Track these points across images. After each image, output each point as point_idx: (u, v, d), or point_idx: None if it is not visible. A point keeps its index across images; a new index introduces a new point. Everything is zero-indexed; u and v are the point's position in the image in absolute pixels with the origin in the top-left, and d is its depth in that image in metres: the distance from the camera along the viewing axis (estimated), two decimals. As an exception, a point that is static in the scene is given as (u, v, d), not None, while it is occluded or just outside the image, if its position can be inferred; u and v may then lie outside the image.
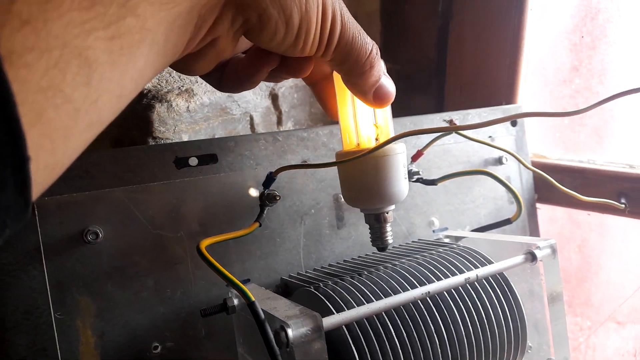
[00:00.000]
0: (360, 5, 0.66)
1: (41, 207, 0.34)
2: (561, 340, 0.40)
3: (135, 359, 0.37)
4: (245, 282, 0.40)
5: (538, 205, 0.60)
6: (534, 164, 0.60)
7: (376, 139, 0.35)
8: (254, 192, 0.41)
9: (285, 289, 0.40)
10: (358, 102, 0.34)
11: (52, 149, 0.17)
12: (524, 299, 0.42)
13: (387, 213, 0.35)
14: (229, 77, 0.32)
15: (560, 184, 0.57)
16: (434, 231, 0.49)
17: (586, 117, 0.69)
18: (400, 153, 0.34)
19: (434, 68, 0.65)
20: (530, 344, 0.42)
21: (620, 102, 0.65)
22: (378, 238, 0.37)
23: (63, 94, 0.17)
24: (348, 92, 0.33)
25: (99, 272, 0.36)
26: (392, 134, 0.35)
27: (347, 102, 0.35)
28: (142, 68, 0.20)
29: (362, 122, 0.35)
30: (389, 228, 0.36)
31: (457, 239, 0.47)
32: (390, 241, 0.37)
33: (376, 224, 0.36)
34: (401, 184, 0.34)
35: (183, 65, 0.28)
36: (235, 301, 0.37)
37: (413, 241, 0.47)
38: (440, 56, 0.64)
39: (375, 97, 0.32)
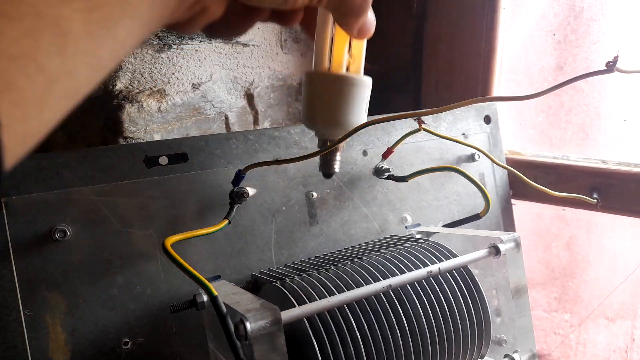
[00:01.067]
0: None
1: (10, 206, 0.35)
2: (526, 333, 0.40)
3: (105, 354, 0.37)
4: (215, 278, 0.40)
5: (514, 201, 0.61)
6: (509, 160, 0.60)
7: (347, 67, 0.35)
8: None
9: (255, 284, 0.41)
10: (337, 29, 0.34)
11: (25, 118, 0.17)
12: (493, 293, 0.42)
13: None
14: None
15: (535, 180, 0.58)
16: (406, 227, 0.50)
17: (572, 115, 0.70)
18: (368, 86, 0.35)
19: (410, 67, 0.66)
20: (505, 337, 0.43)
21: (605, 100, 0.65)
22: (325, 164, 0.36)
23: (36, 63, 0.16)
24: (330, 19, 0.34)
25: (68, 270, 0.36)
26: (362, 65, 0.35)
27: (327, 28, 0.34)
28: (123, 39, 0.20)
29: (338, 48, 0.34)
30: (338, 157, 0.36)
31: (429, 234, 0.47)
32: (336, 170, 0.36)
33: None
34: (361, 116, 0.35)
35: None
36: (205, 297, 0.37)
37: (385, 237, 0.48)
38: (416, 56, 0.65)
39: (359, 31, 0.32)
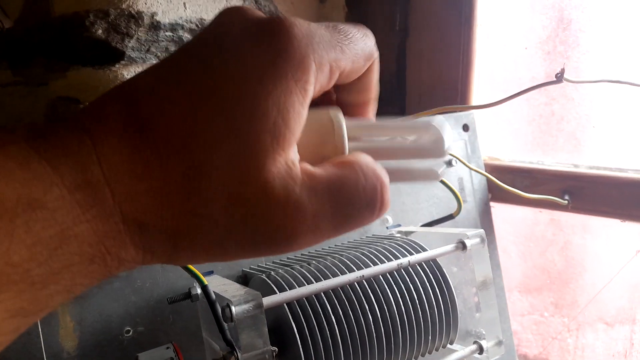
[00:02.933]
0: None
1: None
2: (493, 322, 0.44)
3: (109, 341, 0.41)
4: (209, 273, 0.44)
5: (492, 204, 0.65)
6: (488, 165, 0.64)
7: None
8: None
9: (244, 278, 0.45)
10: None
11: None
12: (473, 291, 0.46)
13: None
14: None
15: (512, 183, 0.62)
16: (387, 227, 0.54)
17: (563, 122, 0.74)
18: None
19: (395, 80, 0.70)
20: (484, 331, 0.46)
21: (595, 107, 0.68)
22: None
23: None
24: None
25: (77, 265, 0.41)
26: None
27: None
28: None
29: None
30: None
31: (407, 233, 0.51)
32: None
33: None
34: None
35: None
36: (199, 290, 0.41)
37: (367, 236, 0.52)
38: (400, 69, 0.69)
39: None
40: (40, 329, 0.39)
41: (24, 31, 0.48)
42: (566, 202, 0.58)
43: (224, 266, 0.47)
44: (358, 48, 0.23)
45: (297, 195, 0.20)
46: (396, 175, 0.27)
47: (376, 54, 0.25)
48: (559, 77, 0.39)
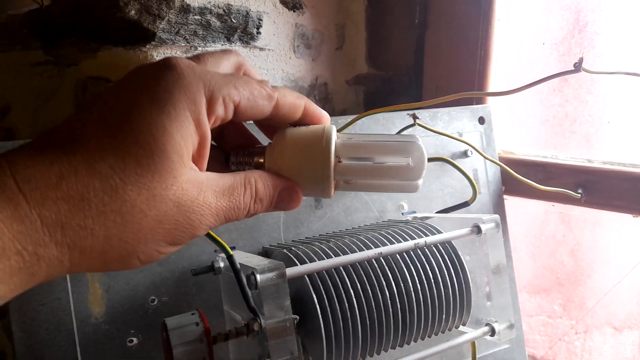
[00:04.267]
0: (348, 18, 0.73)
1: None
2: (506, 308, 0.45)
3: (135, 309, 0.43)
4: (231, 248, 0.46)
5: (505, 197, 0.66)
6: (502, 158, 0.65)
7: None
8: None
9: (265, 254, 0.46)
10: None
11: None
12: (485, 280, 0.47)
13: None
14: None
15: (526, 177, 0.63)
16: (402, 214, 0.55)
17: (576, 125, 0.74)
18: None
19: (412, 72, 0.71)
20: (495, 320, 0.48)
21: (610, 109, 0.68)
22: None
23: None
24: None
25: (107, 234, 0.42)
26: None
27: None
28: None
29: None
30: None
31: (423, 219, 0.53)
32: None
33: None
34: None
35: None
36: (222, 264, 0.43)
37: (383, 221, 0.54)
38: (417, 62, 0.71)
39: None
40: (70, 295, 0.41)
41: (60, 10, 0.49)
42: (579, 195, 0.59)
43: (244, 243, 0.48)
44: (255, 88, 0.30)
45: (194, 196, 0.27)
46: (378, 187, 0.33)
47: (274, 92, 0.31)
48: (577, 67, 0.40)
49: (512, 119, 0.73)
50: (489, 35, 0.65)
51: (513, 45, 0.69)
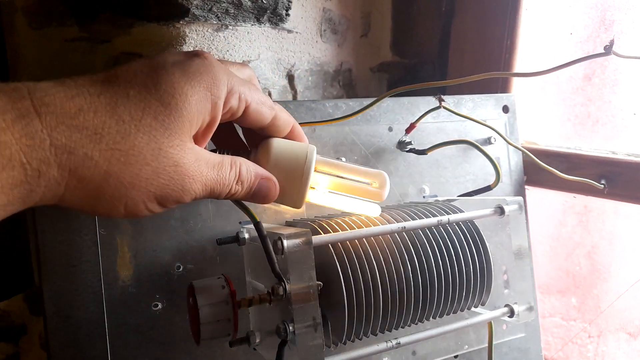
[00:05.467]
0: (374, 6, 0.73)
1: (94, 144, 0.43)
2: (526, 292, 0.45)
3: (161, 275, 0.44)
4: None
5: (527, 187, 0.66)
6: (525, 148, 0.65)
7: None
8: None
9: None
10: None
11: None
12: (503, 269, 0.47)
13: None
14: None
15: (548, 166, 0.63)
16: (424, 197, 0.55)
17: (599, 125, 0.74)
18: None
19: (437, 61, 0.72)
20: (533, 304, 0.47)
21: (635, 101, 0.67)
22: None
23: None
24: None
25: (136, 201, 0.44)
26: None
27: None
28: None
29: None
30: None
31: (446, 202, 0.53)
32: None
33: None
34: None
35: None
36: (246, 235, 0.44)
37: (405, 202, 0.54)
38: (442, 51, 0.71)
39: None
40: (100, 258, 0.43)
41: (97, -14, 0.51)
42: (602, 186, 0.59)
43: (268, 217, 0.49)
44: (263, 97, 0.35)
45: (191, 162, 0.30)
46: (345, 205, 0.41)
47: (275, 107, 0.36)
48: (608, 49, 0.40)
49: (536, 115, 0.73)
50: (516, 25, 0.65)
51: (540, 35, 0.69)
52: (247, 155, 0.37)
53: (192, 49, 0.51)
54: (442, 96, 0.51)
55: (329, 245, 0.38)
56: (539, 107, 0.73)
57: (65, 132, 0.25)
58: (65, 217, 0.42)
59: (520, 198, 0.45)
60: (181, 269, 0.45)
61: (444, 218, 0.42)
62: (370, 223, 0.41)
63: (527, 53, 0.68)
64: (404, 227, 0.40)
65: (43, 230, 0.41)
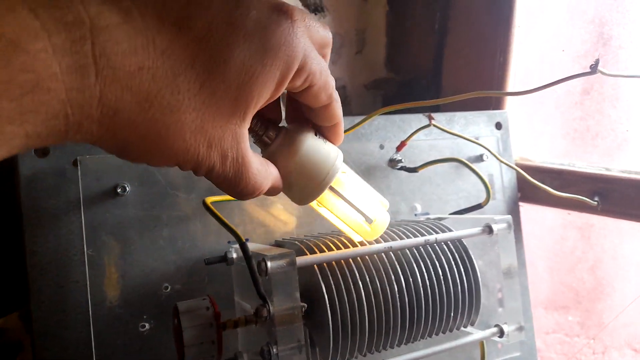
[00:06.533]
0: (369, 22, 0.74)
1: (83, 164, 0.43)
2: (516, 311, 0.45)
3: (148, 295, 0.44)
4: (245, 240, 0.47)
5: (522, 204, 0.66)
6: (518, 165, 0.65)
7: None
8: None
9: (277, 246, 0.47)
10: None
11: None
12: (497, 286, 0.47)
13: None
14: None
15: (541, 184, 0.62)
16: (415, 215, 0.55)
17: (598, 139, 0.73)
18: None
19: (431, 77, 0.72)
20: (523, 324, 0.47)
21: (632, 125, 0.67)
22: None
23: None
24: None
25: (125, 221, 0.44)
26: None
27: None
28: None
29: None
30: None
31: (436, 220, 0.53)
32: None
33: None
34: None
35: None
36: (234, 255, 0.44)
37: (396, 220, 0.54)
38: (436, 67, 0.71)
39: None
40: (87, 278, 0.43)
41: None
42: (596, 203, 0.58)
43: (258, 236, 0.49)
44: (328, 82, 0.31)
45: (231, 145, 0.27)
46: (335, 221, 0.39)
47: (334, 95, 0.32)
48: (593, 68, 0.40)
49: (532, 130, 0.72)
50: (508, 41, 0.65)
51: (533, 52, 0.69)
52: (276, 129, 0.34)
53: None
54: (431, 114, 0.51)
55: (315, 266, 0.38)
56: (536, 121, 0.73)
57: (117, 91, 0.22)
58: (53, 237, 0.42)
59: (509, 217, 0.45)
60: (169, 289, 0.45)
61: (431, 237, 0.42)
62: (357, 243, 0.41)
63: (521, 69, 0.69)
64: (391, 247, 0.40)
65: (32, 251, 0.42)
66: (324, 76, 0.30)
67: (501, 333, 0.44)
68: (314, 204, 0.38)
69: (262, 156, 0.33)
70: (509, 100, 0.68)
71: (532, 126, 0.73)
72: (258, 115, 0.33)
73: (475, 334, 0.44)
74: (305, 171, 0.34)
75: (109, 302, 0.43)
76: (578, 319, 0.79)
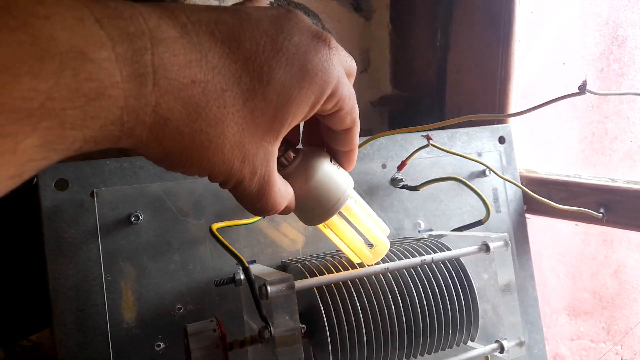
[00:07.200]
0: (373, 42, 0.76)
1: (99, 195, 0.46)
2: (515, 326, 0.46)
3: (163, 316, 0.47)
4: (251, 262, 0.49)
5: (528, 215, 0.66)
6: (524, 177, 0.66)
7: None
8: None
9: (283, 268, 0.50)
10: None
11: None
12: (495, 294, 0.48)
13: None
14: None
15: (548, 196, 0.63)
16: (419, 231, 0.57)
17: (617, 142, 0.73)
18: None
19: (435, 94, 0.73)
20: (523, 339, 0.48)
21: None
22: None
23: None
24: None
25: (139, 247, 0.47)
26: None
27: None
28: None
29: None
30: None
31: (438, 237, 0.54)
32: None
33: None
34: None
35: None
36: (242, 276, 0.46)
37: (399, 238, 0.56)
38: (440, 84, 0.73)
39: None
40: (106, 302, 0.46)
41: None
42: (601, 215, 0.59)
43: (265, 257, 0.51)
44: (354, 107, 0.32)
45: (260, 164, 0.29)
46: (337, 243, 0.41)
47: (357, 121, 0.34)
48: (582, 89, 0.41)
49: (548, 137, 0.73)
50: (509, 56, 0.67)
51: (535, 65, 0.70)
52: (294, 150, 0.35)
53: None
54: (429, 134, 0.53)
55: (314, 288, 0.40)
56: (552, 126, 0.73)
57: (170, 102, 0.23)
58: (74, 264, 0.45)
59: (505, 234, 0.46)
60: (182, 310, 0.48)
61: (428, 257, 0.43)
62: (356, 265, 0.43)
63: (523, 82, 0.69)
64: (387, 268, 0.42)
65: (54, 277, 0.45)
66: (352, 101, 0.32)
67: (501, 349, 0.45)
68: (321, 225, 0.40)
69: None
70: (512, 111, 0.69)
71: (546, 135, 0.73)
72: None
73: (474, 349, 0.45)
74: (317, 195, 0.35)
75: (126, 324, 0.46)
76: (603, 325, 0.79)
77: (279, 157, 0.35)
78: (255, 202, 0.31)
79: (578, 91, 0.42)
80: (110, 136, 0.23)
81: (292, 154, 0.35)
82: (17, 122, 0.18)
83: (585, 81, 0.41)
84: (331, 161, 0.36)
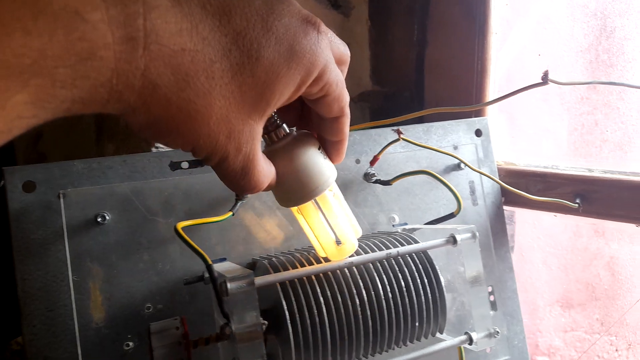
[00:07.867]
0: (352, 37, 0.76)
1: (66, 197, 0.46)
2: (484, 318, 0.46)
3: (132, 316, 0.47)
4: (221, 260, 0.49)
5: (506, 208, 0.66)
6: (502, 169, 0.66)
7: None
8: None
9: (252, 265, 0.50)
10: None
11: None
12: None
13: None
14: None
15: (526, 188, 0.63)
16: (393, 225, 0.57)
17: (608, 133, 0.73)
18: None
19: (414, 88, 0.73)
20: (497, 329, 0.48)
21: None
22: None
23: None
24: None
25: (107, 247, 0.47)
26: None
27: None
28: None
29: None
30: None
31: (412, 230, 0.54)
32: None
33: None
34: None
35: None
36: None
37: (372, 232, 0.55)
38: (419, 78, 0.73)
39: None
40: (73, 301, 0.46)
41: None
42: (577, 205, 0.59)
43: (237, 255, 0.51)
44: (343, 96, 0.33)
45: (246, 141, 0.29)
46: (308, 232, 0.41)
47: (346, 111, 0.34)
48: (545, 79, 0.41)
49: (536, 129, 0.72)
50: (485, 49, 0.66)
51: (511, 57, 0.70)
52: (286, 130, 0.36)
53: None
54: (400, 128, 0.52)
55: (277, 284, 0.40)
56: (541, 118, 0.72)
57: (160, 67, 0.24)
58: (42, 265, 0.45)
59: (473, 226, 0.46)
60: (151, 309, 0.48)
61: (393, 251, 0.43)
62: (322, 260, 0.43)
63: (499, 74, 0.69)
64: (352, 262, 0.42)
65: (23, 278, 0.45)
66: (339, 88, 0.32)
67: (470, 340, 0.45)
68: (294, 208, 0.40)
69: (264, 150, 0.35)
70: (493, 107, 0.68)
71: (537, 123, 0.72)
72: (276, 112, 0.35)
73: (443, 341, 0.45)
74: (298, 178, 0.36)
75: (95, 324, 0.46)
76: (597, 317, 0.78)
77: (270, 132, 0.35)
78: (239, 179, 0.31)
79: (541, 81, 0.41)
80: (99, 98, 0.23)
81: (283, 132, 0.35)
82: (8, 77, 0.19)
83: (547, 71, 0.41)
84: (319, 149, 0.36)
